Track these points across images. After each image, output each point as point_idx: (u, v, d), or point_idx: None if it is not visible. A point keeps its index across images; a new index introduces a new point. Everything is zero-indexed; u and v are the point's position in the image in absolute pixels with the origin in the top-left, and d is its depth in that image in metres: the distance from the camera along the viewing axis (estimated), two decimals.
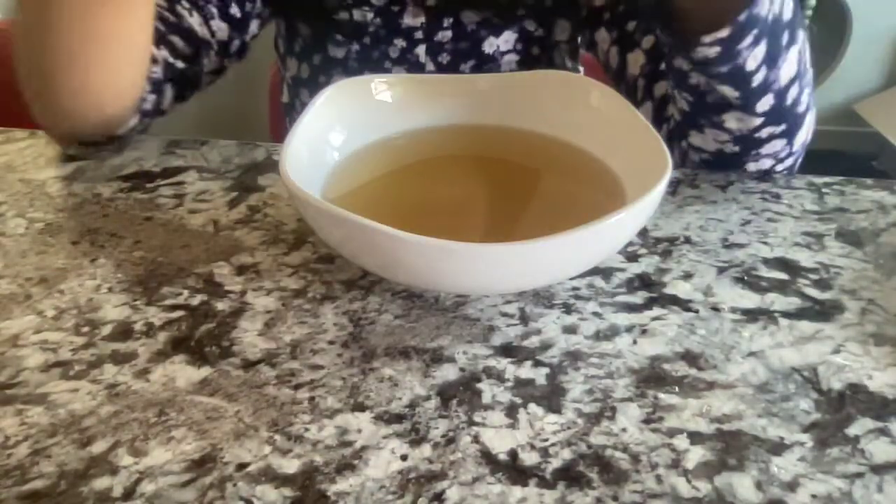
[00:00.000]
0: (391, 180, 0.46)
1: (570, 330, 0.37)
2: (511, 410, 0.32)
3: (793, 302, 0.39)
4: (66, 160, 0.54)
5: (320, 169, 0.43)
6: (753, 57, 0.47)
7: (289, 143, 0.39)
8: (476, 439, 0.30)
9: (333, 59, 0.68)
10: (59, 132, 0.56)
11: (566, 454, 0.30)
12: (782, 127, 0.51)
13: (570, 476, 0.29)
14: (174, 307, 0.38)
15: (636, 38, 0.62)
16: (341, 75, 0.65)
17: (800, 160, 0.55)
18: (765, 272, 0.42)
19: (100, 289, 0.40)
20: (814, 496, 0.28)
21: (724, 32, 0.46)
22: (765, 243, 0.44)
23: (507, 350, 0.35)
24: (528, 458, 0.30)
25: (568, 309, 0.38)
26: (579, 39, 0.71)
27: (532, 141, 0.48)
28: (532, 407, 0.32)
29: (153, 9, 0.53)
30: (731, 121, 0.51)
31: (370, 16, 0.65)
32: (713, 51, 0.47)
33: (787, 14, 0.47)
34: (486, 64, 0.67)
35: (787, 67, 0.49)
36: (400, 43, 0.67)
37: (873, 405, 0.32)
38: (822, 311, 0.38)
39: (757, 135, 0.51)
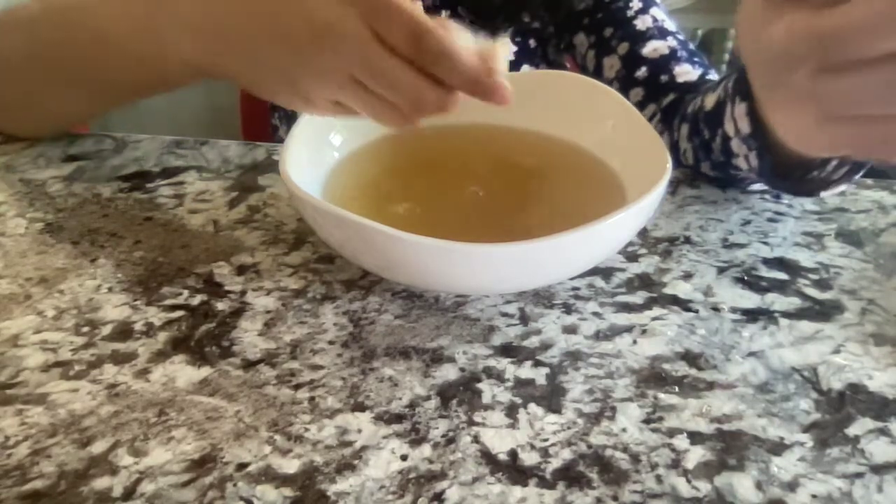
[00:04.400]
0: (391, 180, 0.46)
1: (570, 330, 0.37)
2: (511, 410, 0.32)
3: (793, 302, 0.39)
4: (66, 160, 0.54)
5: (320, 169, 0.43)
6: None
7: (289, 143, 0.39)
8: (476, 439, 0.30)
9: None
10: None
11: (566, 454, 0.30)
12: None
13: (570, 476, 0.29)
14: (174, 307, 0.38)
15: (612, 44, 0.64)
16: None
17: None
18: (765, 272, 0.42)
19: (100, 289, 0.40)
20: (814, 496, 0.28)
21: (843, 187, 0.45)
22: (765, 243, 0.44)
23: (507, 350, 0.35)
24: (528, 458, 0.30)
25: (568, 309, 0.38)
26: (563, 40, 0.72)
27: (532, 141, 0.48)
28: (532, 407, 0.32)
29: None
30: (756, 186, 0.51)
31: None
32: (824, 195, 0.46)
33: None
34: None
35: None
36: None
37: (873, 405, 0.32)
38: (822, 311, 0.38)
39: None
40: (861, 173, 0.44)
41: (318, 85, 0.37)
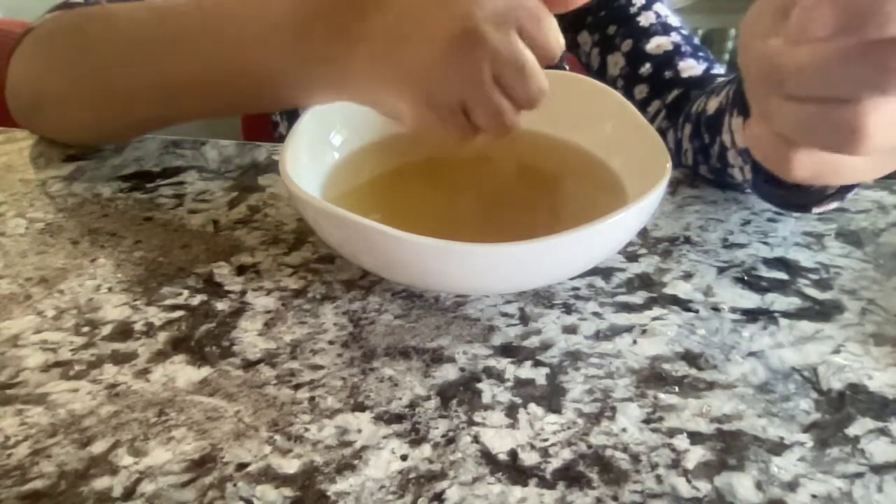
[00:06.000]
0: (391, 180, 0.46)
1: (570, 330, 0.37)
2: (511, 410, 0.32)
3: (793, 302, 0.39)
4: (66, 160, 0.54)
5: (320, 169, 0.43)
6: None
7: (289, 143, 0.39)
8: (476, 439, 0.30)
9: None
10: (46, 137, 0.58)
11: (566, 454, 0.30)
12: None
13: (570, 476, 0.29)
14: (174, 307, 0.38)
15: (616, 41, 0.64)
16: None
17: None
18: (765, 272, 0.42)
19: (100, 289, 0.40)
20: (814, 496, 0.28)
21: (835, 204, 0.44)
22: (765, 243, 0.44)
23: (507, 350, 0.35)
24: (528, 458, 0.30)
25: (568, 309, 0.38)
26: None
27: (532, 141, 0.48)
28: (532, 407, 0.32)
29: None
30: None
31: None
32: (816, 212, 0.46)
33: None
34: None
35: None
36: None
37: (873, 405, 0.32)
38: (822, 311, 0.38)
39: None
40: (854, 191, 0.44)
41: (457, 82, 0.36)
